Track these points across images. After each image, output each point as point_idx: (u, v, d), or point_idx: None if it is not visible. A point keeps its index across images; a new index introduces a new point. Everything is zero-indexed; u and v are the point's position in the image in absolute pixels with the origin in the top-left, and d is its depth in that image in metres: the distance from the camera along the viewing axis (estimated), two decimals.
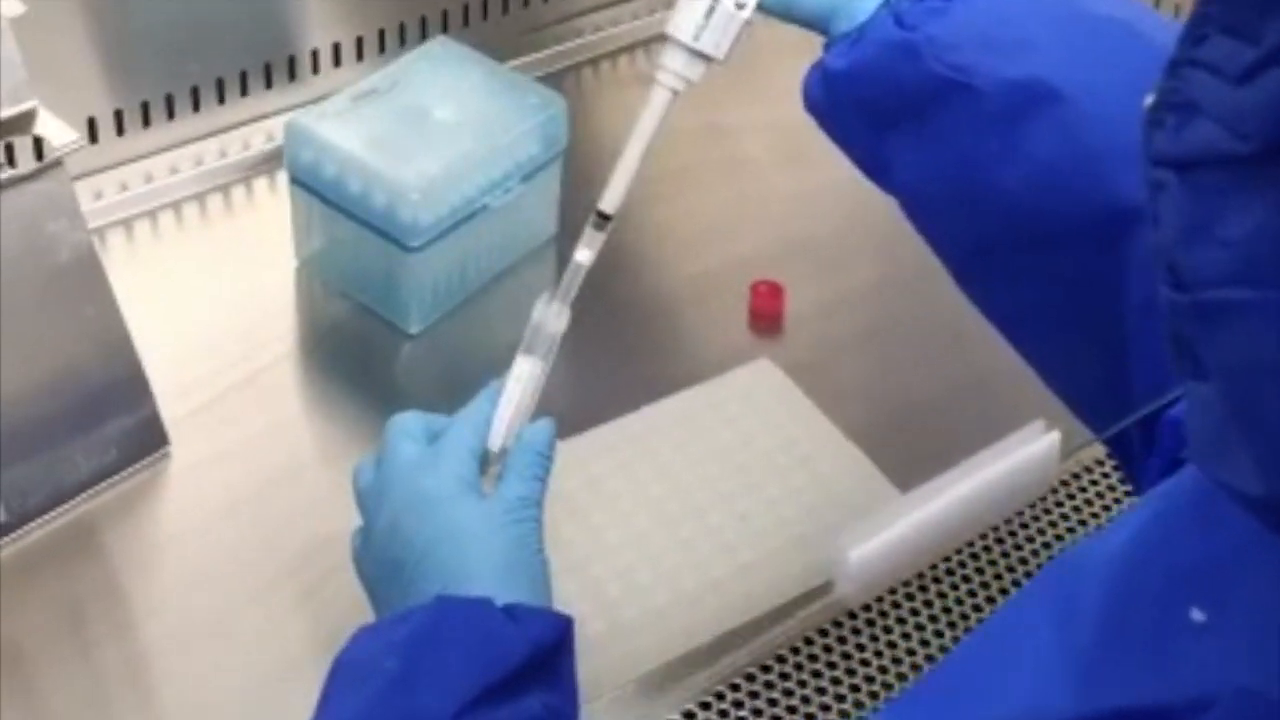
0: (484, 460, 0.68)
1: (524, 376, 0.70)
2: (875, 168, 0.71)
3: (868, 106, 0.68)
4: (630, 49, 1.21)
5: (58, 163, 0.77)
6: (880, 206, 1.10)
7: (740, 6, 0.67)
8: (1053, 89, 0.63)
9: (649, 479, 0.81)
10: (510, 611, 0.61)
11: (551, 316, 0.70)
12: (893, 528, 0.50)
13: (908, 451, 0.86)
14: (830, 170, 1.13)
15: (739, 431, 0.84)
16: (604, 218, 0.70)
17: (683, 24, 0.68)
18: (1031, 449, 0.53)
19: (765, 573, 0.77)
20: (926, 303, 1.00)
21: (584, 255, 0.70)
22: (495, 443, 0.69)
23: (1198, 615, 0.40)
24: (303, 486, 0.84)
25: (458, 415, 0.70)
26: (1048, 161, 0.64)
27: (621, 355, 0.94)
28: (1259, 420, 0.33)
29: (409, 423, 0.70)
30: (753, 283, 0.98)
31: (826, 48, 0.70)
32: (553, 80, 1.15)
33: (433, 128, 0.92)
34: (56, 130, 0.77)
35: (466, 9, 1.12)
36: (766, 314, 0.97)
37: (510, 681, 0.59)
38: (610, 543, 0.78)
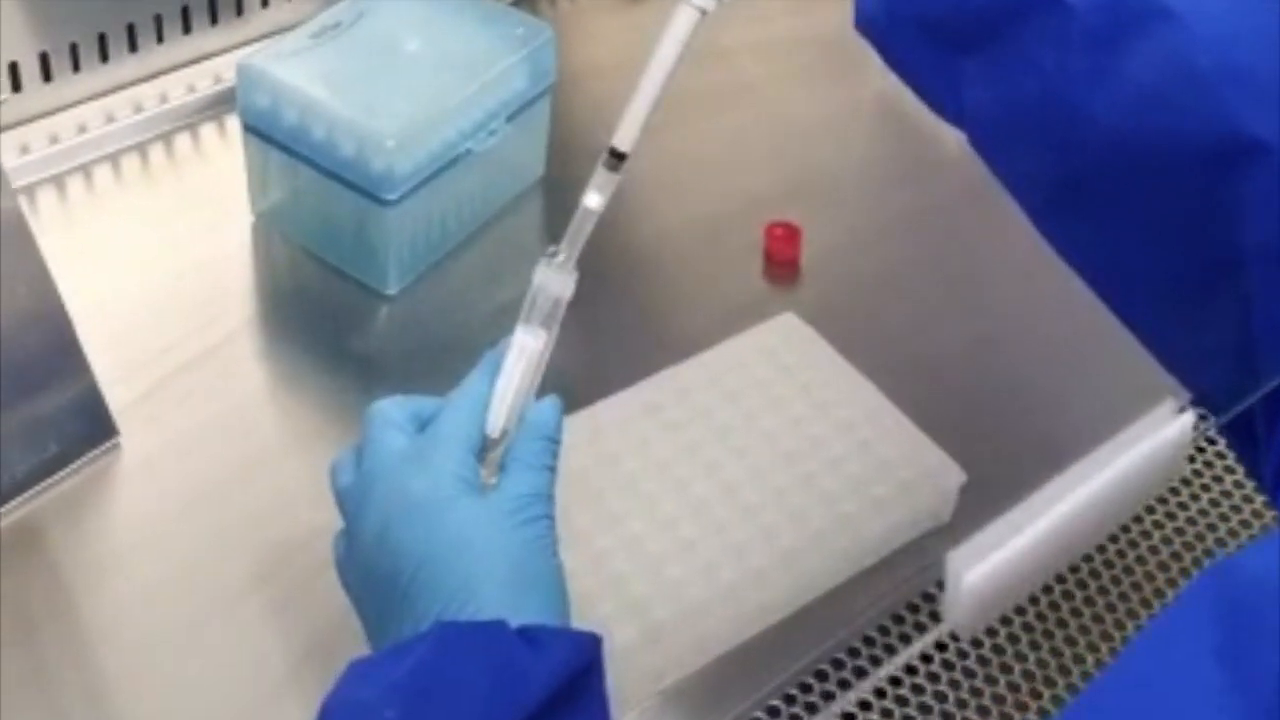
0: (482, 447, 0.58)
1: (526, 349, 0.60)
2: (941, 94, 0.61)
3: (935, 25, 0.59)
4: None
5: None
6: (895, 134, 1.02)
7: None
8: (1156, 4, 0.54)
9: (671, 456, 0.72)
10: (528, 635, 0.52)
11: (555, 278, 0.60)
12: (1011, 544, 0.40)
13: (952, 411, 0.77)
14: (831, 96, 1.05)
15: (768, 396, 0.75)
16: (618, 156, 0.59)
17: None
18: (1164, 435, 0.43)
19: (811, 560, 0.68)
20: (954, 240, 0.91)
21: (594, 200, 0.60)
22: (495, 427, 0.59)
23: None
24: (271, 478, 0.74)
25: (450, 397, 0.60)
26: (1151, 85, 0.54)
27: (627, 312, 0.84)
28: None
29: (391, 410, 0.60)
30: (766, 225, 0.88)
31: None
32: (527, 7, 1.04)
33: (405, 64, 0.81)
34: None
35: None
36: (783, 260, 0.88)
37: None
38: (633, 532, 0.68)
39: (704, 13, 0.58)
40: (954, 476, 0.70)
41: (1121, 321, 0.58)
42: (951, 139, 1.01)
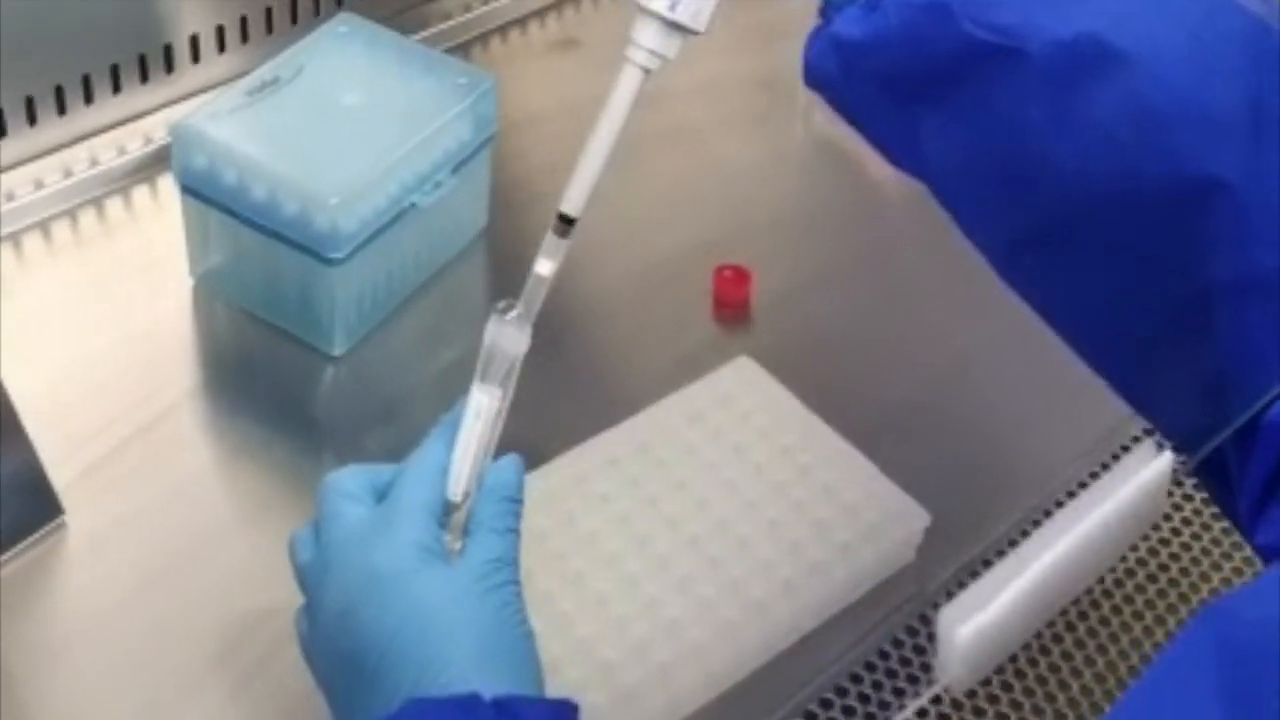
0: (444, 512, 0.57)
1: (483, 409, 0.59)
2: (899, 148, 0.61)
3: (891, 79, 0.58)
4: (541, 13, 1.10)
5: None
6: (839, 173, 1.02)
7: None
8: (1111, 48, 0.54)
9: (632, 511, 0.70)
10: (503, 706, 0.51)
11: (510, 336, 0.59)
12: (1002, 596, 0.40)
13: (910, 450, 0.77)
14: (771, 137, 1.04)
15: (727, 444, 0.74)
16: (567, 221, 0.59)
17: None
18: (1144, 476, 0.43)
19: (781, 609, 0.67)
20: (903, 279, 0.91)
21: (545, 267, 0.59)
22: (456, 491, 0.58)
23: None
24: (223, 553, 0.72)
25: (407, 464, 0.59)
26: (1111, 129, 0.54)
27: (579, 364, 0.83)
28: None
29: (347, 482, 0.59)
30: (715, 268, 0.87)
31: (824, 12, 0.60)
32: (459, 53, 1.03)
33: (346, 119, 0.80)
34: None
35: None
36: (732, 302, 0.87)
37: None
38: (597, 592, 0.67)
39: (648, 71, 0.58)
40: (919, 519, 0.70)
41: (1089, 365, 0.58)
42: (892, 176, 1.02)
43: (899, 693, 0.64)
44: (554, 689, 0.56)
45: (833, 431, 0.75)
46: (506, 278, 0.86)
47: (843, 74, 0.59)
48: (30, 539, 0.71)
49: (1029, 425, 0.80)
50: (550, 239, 0.59)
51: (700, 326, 0.86)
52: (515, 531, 0.58)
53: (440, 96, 0.82)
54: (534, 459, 0.73)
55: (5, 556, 0.70)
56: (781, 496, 0.71)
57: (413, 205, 0.80)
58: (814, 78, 0.61)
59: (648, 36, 0.58)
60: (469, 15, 1.06)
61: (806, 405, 0.77)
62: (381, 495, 0.58)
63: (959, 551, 0.72)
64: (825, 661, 0.68)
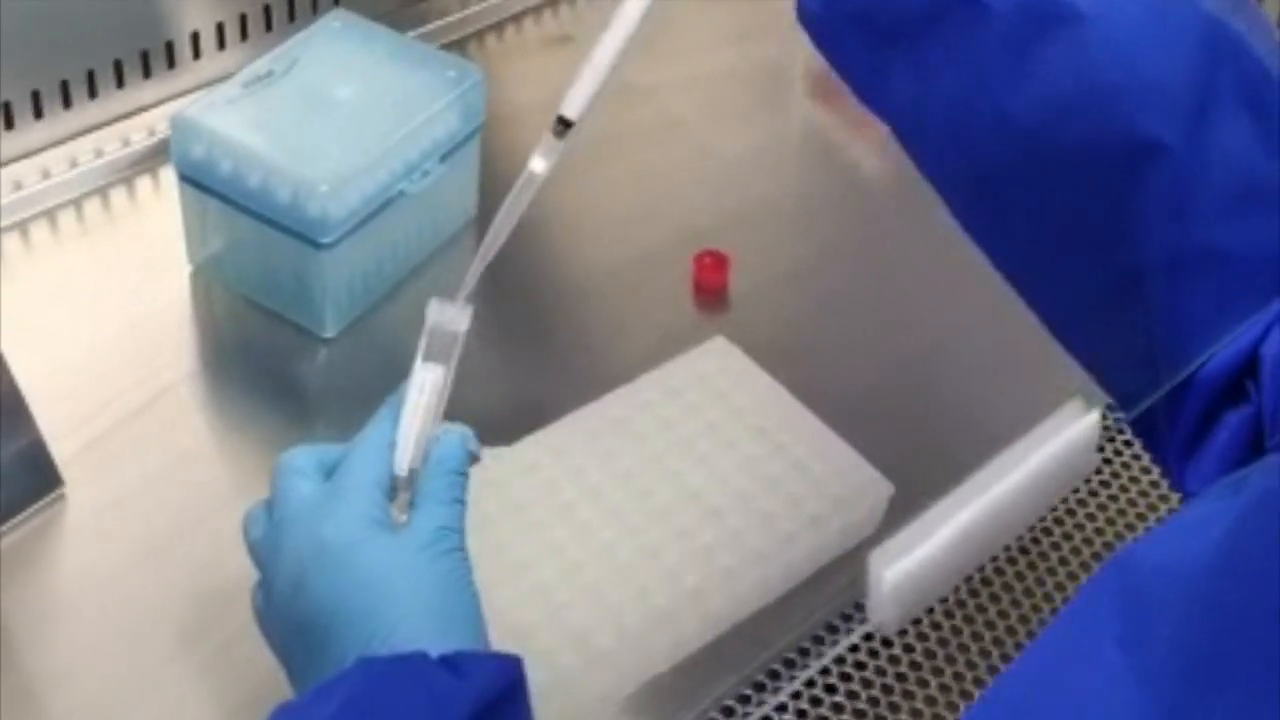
0: (392, 488, 0.60)
1: (427, 386, 0.61)
2: (870, 89, 0.63)
3: (867, 21, 0.61)
4: (537, 10, 1.13)
5: None
6: (821, 165, 1.05)
7: None
8: (1072, 9, 0.56)
9: (607, 482, 0.73)
10: (450, 663, 0.53)
11: (450, 314, 0.61)
12: (930, 541, 0.42)
13: (882, 429, 0.79)
14: (758, 128, 1.07)
15: (702, 420, 0.77)
16: (566, 124, 0.61)
17: None
18: (1071, 432, 0.45)
19: (748, 577, 0.70)
20: (875, 267, 0.94)
21: (539, 165, 0.61)
22: (402, 466, 0.60)
23: None
24: (216, 524, 0.75)
25: (354, 441, 0.61)
26: (1061, 89, 0.56)
27: (559, 345, 0.86)
28: None
29: (298, 459, 0.61)
30: (695, 254, 0.90)
31: None
32: (455, 48, 1.06)
33: (338, 111, 0.83)
34: None
35: None
36: (711, 287, 0.90)
37: None
38: (573, 559, 0.70)
39: None
40: (883, 489, 0.72)
41: (1038, 319, 0.60)
42: (876, 168, 1.04)
43: (832, 629, 0.67)
44: (527, 653, 0.58)
45: (804, 408, 0.78)
46: (495, 265, 0.89)
47: (826, 13, 0.62)
48: (31, 509, 0.74)
49: (992, 406, 0.83)
50: (547, 139, 0.60)
51: (680, 310, 0.89)
52: (461, 502, 0.59)
53: (429, 88, 0.85)
54: (515, 433, 0.76)
55: (6, 526, 0.73)
56: (753, 470, 0.74)
57: (401, 193, 0.83)
58: (803, 15, 0.63)
59: None
60: (465, 12, 1.09)
61: (780, 382, 0.80)
62: (331, 472, 0.60)
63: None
64: (790, 625, 0.70)
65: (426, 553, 0.57)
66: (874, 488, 0.73)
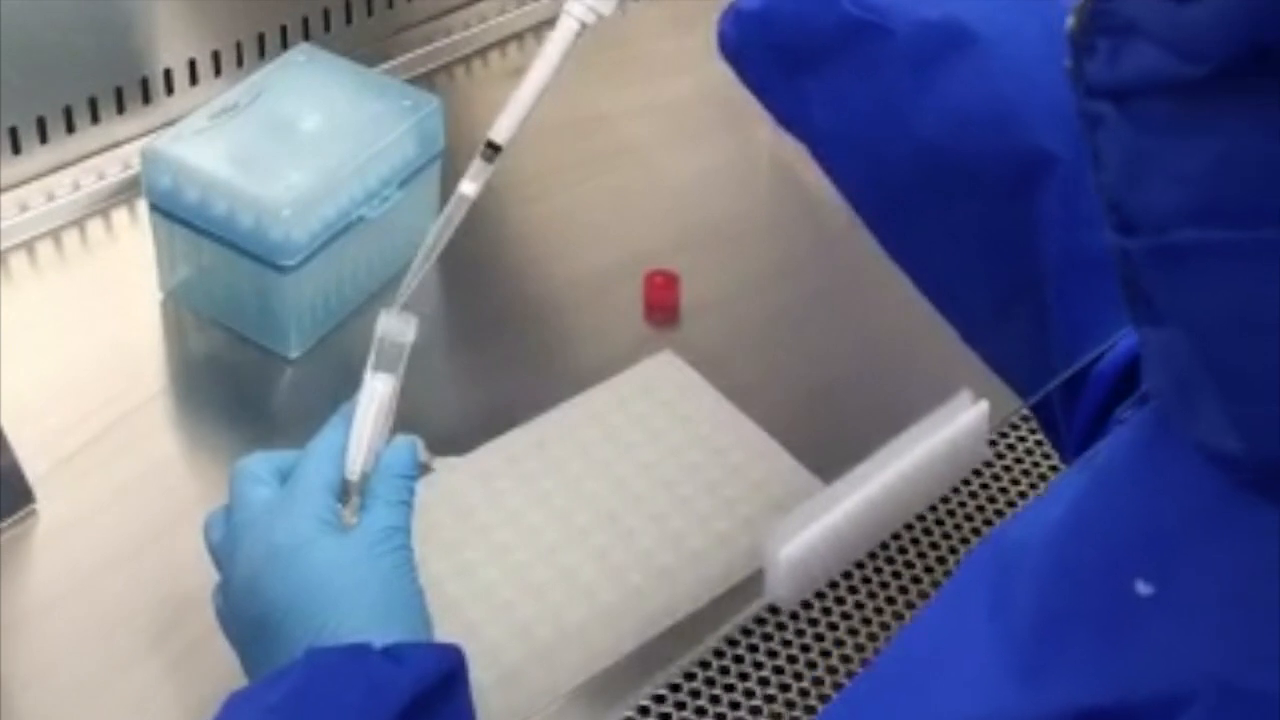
0: (343, 491, 0.63)
1: (376, 395, 0.65)
2: (787, 112, 0.67)
3: (781, 49, 0.65)
4: (502, 44, 1.16)
5: None
6: (770, 188, 1.08)
7: None
8: (969, 31, 0.60)
9: (554, 489, 0.77)
10: (390, 652, 0.56)
11: (397, 325, 0.65)
12: (822, 521, 0.46)
13: (821, 437, 0.82)
14: (717, 152, 1.11)
15: (646, 429, 0.80)
16: (494, 148, 0.65)
17: None
18: (961, 421, 0.49)
19: (687, 576, 0.73)
20: (826, 284, 0.97)
21: (469, 188, 0.65)
22: (353, 470, 0.63)
23: (1143, 588, 0.36)
24: (182, 537, 0.77)
25: (307, 448, 0.64)
26: (961, 107, 0.60)
27: (513, 360, 0.89)
28: (1235, 373, 0.29)
29: (254, 466, 0.64)
30: (647, 274, 0.94)
31: None
32: (423, 82, 1.10)
33: (300, 139, 0.87)
34: None
35: (327, 13, 1.07)
36: (662, 305, 0.93)
37: None
38: (519, 561, 0.73)
39: (584, 25, 0.63)
40: (817, 490, 0.75)
41: (947, 321, 0.64)
42: (828, 190, 1.08)
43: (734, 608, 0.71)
44: (473, 647, 0.62)
45: (745, 417, 0.81)
46: (455, 282, 0.93)
47: (743, 43, 0.66)
48: (2, 524, 0.77)
49: (927, 414, 0.86)
50: (477, 163, 0.65)
51: (632, 328, 0.92)
52: (407, 504, 0.63)
53: (387, 117, 0.88)
54: (470, 443, 0.80)
55: None
56: (694, 475, 0.77)
57: (361, 218, 0.87)
58: (723, 47, 0.68)
59: None
60: (431, 46, 1.13)
61: (726, 396, 0.83)
62: (286, 478, 0.64)
63: None
64: (722, 619, 0.73)
65: (373, 551, 0.60)
66: (807, 489, 0.76)
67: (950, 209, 0.62)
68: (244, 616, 0.61)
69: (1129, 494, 0.39)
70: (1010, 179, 0.60)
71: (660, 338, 0.91)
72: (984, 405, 0.50)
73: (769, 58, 0.66)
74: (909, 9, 0.62)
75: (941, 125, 0.61)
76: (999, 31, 0.61)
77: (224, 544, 0.63)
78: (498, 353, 0.89)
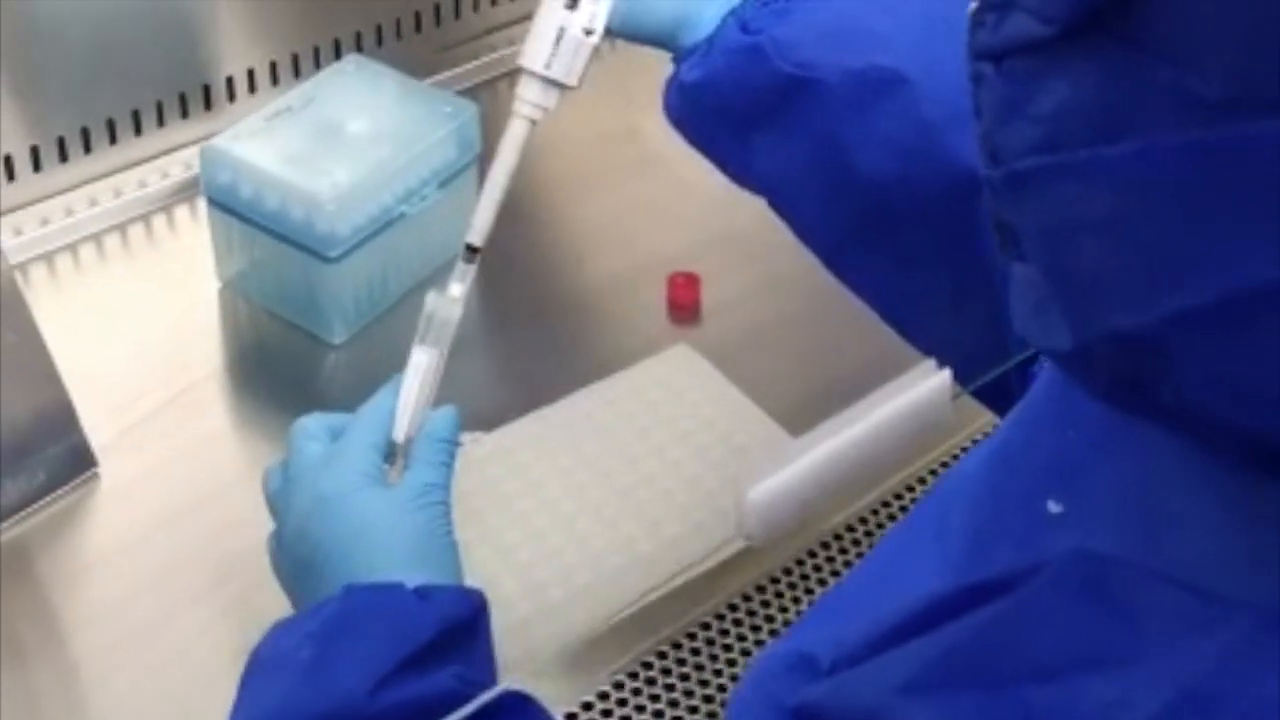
0: (390, 453, 0.69)
1: (421, 367, 0.71)
2: (738, 169, 0.74)
3: (725, 111, 0.71)
4: None
5: None
6: None
7: (588, 32, 0.70)
8: (897, 74, 0.66)
9: (572, 465, 0.83)
10: (419, 592, 0.63)
11: (444, 305, 0.71)
12: (790, 466, 0.51)
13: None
14: None
15: (659, 414, 0.86)
16: (473, 250, 0.71)
17: (533, 54, 0.70)
18: (922, 389, 0.54)
19: (690, 546, 0.79)
20: (838, 288, 1.02)
21: (456, 289, 0.71)
22: (399, 434, 0.70)
23: (1054, 507, 0.41)
24: (230, 501, 0.85)
25: (358, 411, 0.71)
26: (895, 141, 0.66)
27: (542, 348, 0.96)
28: (1065, 273, 0.34)
29: (310, 424, 0.71)
30: (670, 275, 1.00)
31: (676, 62, 0.73)
32: (467, 94, 1.16)
33: (347, 141, 0.94)
34: None
35: (380, 29, 1.14)
36: (684, 304, 0.99)
37: (423, 655, 0.60)
38: (538, 528, 0.79)
39: (533, 122, 0.71)
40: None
41: (905, 338, 0.70)
42: None
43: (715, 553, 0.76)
44: (492, 598, 0.68)
45: (753, 404, 0.87)
46: (488, 286, 0.99)
47: (689, 111, 0.72)
48: (68, 486, 0.85)
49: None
50: (460, 266, 0.71)
51: (655, 325, 0.98)
52: (448, 465, 0.69)
53: (428, 122, 0.95)
54: (497, 421, 0.86)
55: (47, 499, 0.84)
56: (702, 456, 0.83)
57: (402, 214, 0.94)
58: (670, 116, 0.74)
59: (531, 92, 0.70)
60: (475, 63, 1.20)
61: (739, 387, 0.89)
62: (337, 437, 0.70)
63: None
64: (724, 589, 0.79)
65: (412, 504, 0.66)
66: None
67: (897, 234, 0.68)
68: (294, 558, 0.68)
69: (1043, 426, 0.44)
70: (947, 197, 0.65)
71: (680, 334, 0.97)
72: (946, 374, 0.56)
73: (714, 120, 0.72)
74: (837, 61, 0.68)
75: (879, 159, 0.67)
76: (921, 70, 0.66)
77: (279, 493, 0.70)
78: (528, 341, 0.96)
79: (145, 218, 1.05)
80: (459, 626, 0.62)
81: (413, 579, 0.63)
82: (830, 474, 0.53)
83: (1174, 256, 0.31)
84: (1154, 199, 0.31)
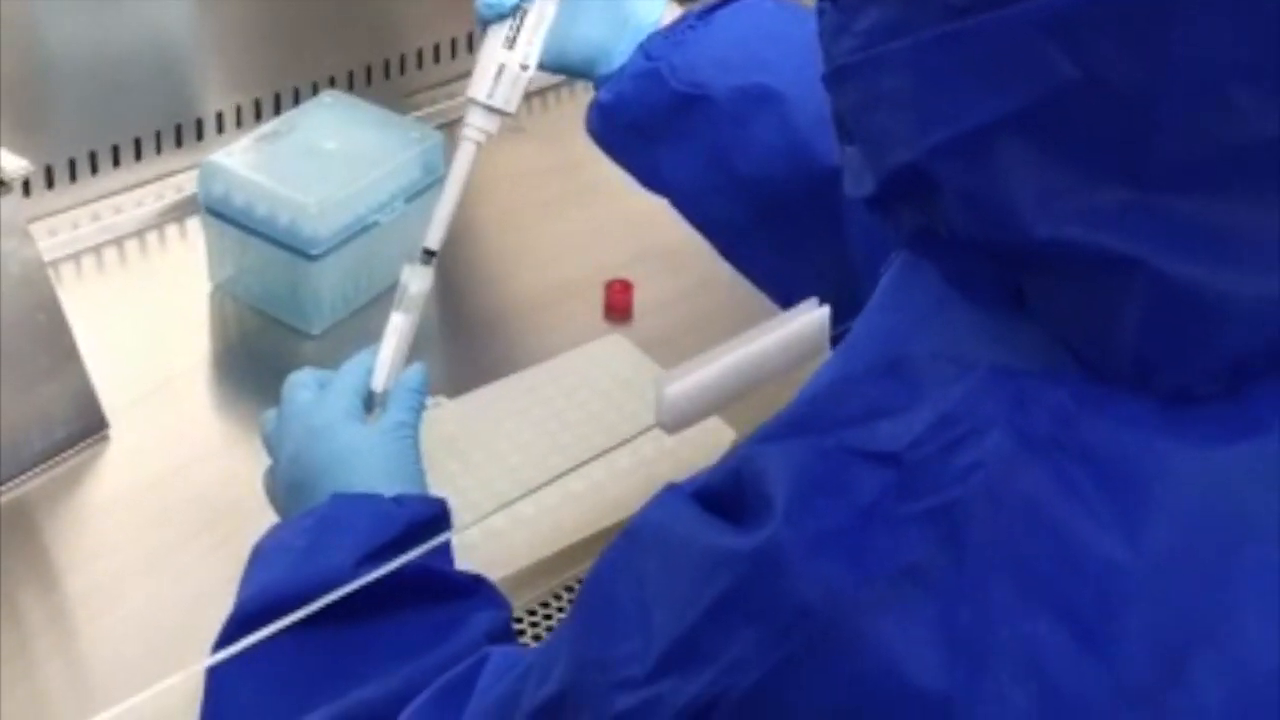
0: (368, 402, 0.83)
1: (399, 328, 0.85)
2: (647, 176, 0.89)
3: (633, 127, 0.87)
4: None
5: (8, 189, 0.91)
6: None
7: (524, 67, 0.86)
8: (774, 91, 0.82)
9: (519, 427, 0.96)
10: (395, 499, 0.76)
11: (417, 276, 0.85)
12: (700, 370, 0.66)
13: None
14: None
15: (594, 389, 1.00)
16: (430, 253, 0.86)
17: (478, 86, 0.86)
18: (808, 316, 0.68)
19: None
20: (756, 292, 1.17)
21: (416, 287, 0.86)
22: (378, 384, 0.84)
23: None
24: (219, 463, 0.98)
25: (342, 367, 0.85)
26: (771, 147, 0.82)
27: (495, 343, 1.10)
28: (868, 134, 0.48)
29: (302, 375, 0.85)
30: (606, 281, 1.14)
31: (597, 88, 0.88)
32: (448, 130, 1.30)
33: (326, 159, 1.08)
34: (8, 161, 0.92)
35: (352, 74, 1.29)
36: (618, 306, 1.13)
37: (397, 542, 0.73)
38: (488, 475, 0.93)
39: (479, 144, 0.86)
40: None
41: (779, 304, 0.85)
42: None
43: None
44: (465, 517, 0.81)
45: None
46: (449, 289, 1.14)
47: (606, 127, 0.88)
48: (84, 444, 0.98)
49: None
50: (418, 267, 0.86)
51: (593, 323, 1.12)
52: (417, 411, 0.83)
53: (396, 145, 1.10)
54: (454, 393, 1.00)
55: (65, 454, 0.97)
56: (632, 421, 0.97)
57: (375, 223, 1.08)
58: (592, 134, 0.89)
59: (477, 119, 0.85)
60: (438, 106, 1.34)
61: (660, 367, 1.03)
62: (323, 387, 0.84)
63: None
64: None
65: (387, 436, 0.80)
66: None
67: (775, 225, 0.83)
68: (287, 483, 0.81)
69: (884, 308, 0.57)
70: (813, 192, 0.80)
71: (614, 331, 1.12)
72: (826, 310, 0.70)
73: (626, 135, 0.88)
74: (724, 80, 0.83)
75: (758, 166, 0.82)
76: (797, 89, 0.81)
77: (275, 433, 0.83)
78: (484, 338, 1.10)
79: (140, 234, 1.18)
80: (425, 523, 0.75)
81: (388, 493, 0.77)
82: (732, 379, 0.67)
83: (933, 109, 0.44)
84: (921, 72, 0.45)
